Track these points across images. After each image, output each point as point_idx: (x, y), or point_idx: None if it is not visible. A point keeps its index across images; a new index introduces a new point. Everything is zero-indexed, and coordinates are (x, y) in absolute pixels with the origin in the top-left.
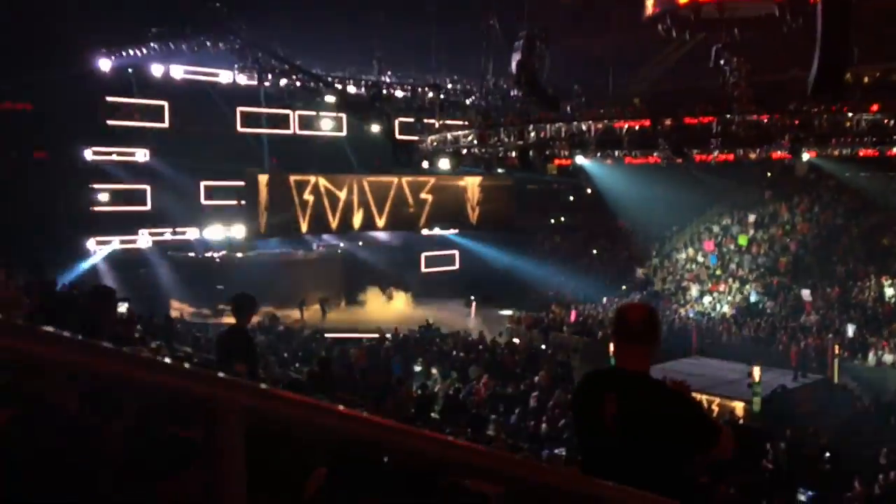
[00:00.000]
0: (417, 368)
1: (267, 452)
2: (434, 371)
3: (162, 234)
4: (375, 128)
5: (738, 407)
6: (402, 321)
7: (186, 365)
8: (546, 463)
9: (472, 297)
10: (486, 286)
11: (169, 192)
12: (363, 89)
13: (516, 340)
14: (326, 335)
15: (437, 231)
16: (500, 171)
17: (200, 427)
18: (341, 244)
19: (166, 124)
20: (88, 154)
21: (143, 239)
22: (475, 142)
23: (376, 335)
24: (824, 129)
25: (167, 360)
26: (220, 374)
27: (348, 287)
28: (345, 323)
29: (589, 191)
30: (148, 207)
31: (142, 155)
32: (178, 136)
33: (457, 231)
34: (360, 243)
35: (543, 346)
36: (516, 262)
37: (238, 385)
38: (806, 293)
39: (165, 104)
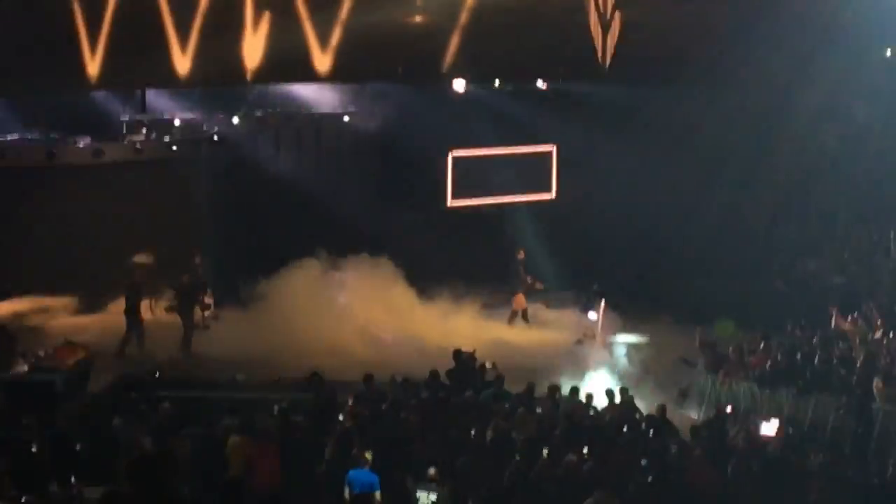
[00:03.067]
0: (426, 500)
1: None
2: None
3: None
4: None
5: None
6: (387, 352)
7: None
8: None
9: (595, 288)
10: (637, 255)
11: None
12: None
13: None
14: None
15: (490, 87)
16: None
17: None
18: (206, 126)
19: None
20: None
21: None
22: None
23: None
24: None
25: None
26: None
27: (226, 250)
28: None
29: None
30: None
31: None
32: None
33: (546, 83)
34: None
35: None
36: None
37: None
38: None
39: None
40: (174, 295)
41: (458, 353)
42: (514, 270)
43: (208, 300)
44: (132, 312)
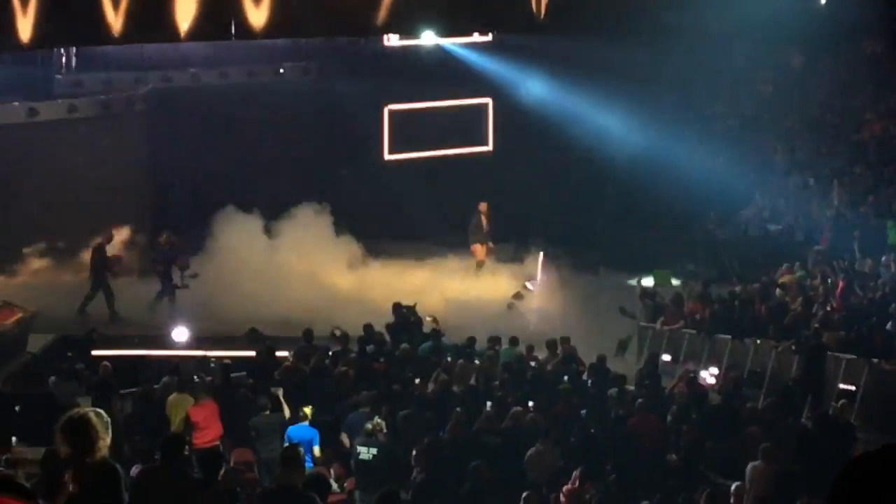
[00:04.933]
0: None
1: None
2: None
3: None
4: None
5: None
6: (330, 301)
7: None
8: None
9: (533, 240)
10: (576, 207)
11: None
12: None
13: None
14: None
15: (426, 40)
16: None
17: None
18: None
19: None
20: None
21: None
22: None
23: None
24: None
25: None
26: None
27: (165, 206)
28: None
29: None
30: None
31: None
32: None
33: (488, 37)
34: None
35: None
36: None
37: None
38: None
39: None
40: (151, 254)
41: (397, 306)
42: (475, 222)
43: (185, 260)
44: (98, 272)
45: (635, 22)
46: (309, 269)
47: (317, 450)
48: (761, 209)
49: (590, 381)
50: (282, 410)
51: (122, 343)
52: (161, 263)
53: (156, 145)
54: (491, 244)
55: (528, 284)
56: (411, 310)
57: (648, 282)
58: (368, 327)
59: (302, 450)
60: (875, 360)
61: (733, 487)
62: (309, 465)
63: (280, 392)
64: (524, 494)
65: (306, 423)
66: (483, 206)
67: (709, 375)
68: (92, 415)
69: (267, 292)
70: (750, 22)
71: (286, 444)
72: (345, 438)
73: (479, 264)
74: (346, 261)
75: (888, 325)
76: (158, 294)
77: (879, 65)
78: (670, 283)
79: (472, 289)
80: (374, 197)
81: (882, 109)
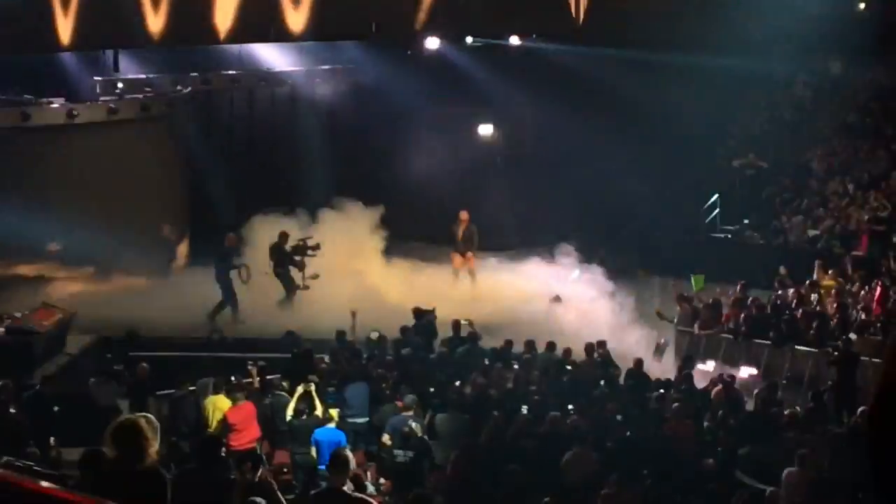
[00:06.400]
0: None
1: None
2: None
3: None
4: None
5: None
6: (369, 304)
7: None
8: None
9: (572, 245)
10: (615, 211)
11: None
12: None
13: None
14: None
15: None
16: None
17: None
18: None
19: None
20: None
21: None
22: None
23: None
24: None
25: None
26: None
27: (202, 208)
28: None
29: None
30: None
31: None
32: None
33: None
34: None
35: None
36: None
37: None
38: None
39: None
40: (271, 257)
41: (418, 311)
42: (453, 231)
43: (308, 257)
44: (226, 277)
45: (673, 29)
46: (348, 271)
47: (347, 450)
48: (802, 214)
49: (626, 385)
50: (315, 410)
51: (161, 344)
52: (280, 266)
53: (195, 146)
54: (470, 254)
55: (573, 276)
56: (431, 313)
57: (687, 286)
58: (405, 330)
59: (348, 452)
60: None
61: (768, 493)
62: (322, 467)
63: (312, 388)
64: (544, 500)
65: (333, 425)
66: (463, 215)
67: (745, 374)
68: (142, 421)
69: (305, 294)
70: (789, 28)
71: (324, 451)
72: (387, 440)
73: (454, 272)
74: (385, 262)
75: None
76: (286, 296)
77: None
78: (704, 287)
79: (509, 293)
80: (413, 199)
81: None
